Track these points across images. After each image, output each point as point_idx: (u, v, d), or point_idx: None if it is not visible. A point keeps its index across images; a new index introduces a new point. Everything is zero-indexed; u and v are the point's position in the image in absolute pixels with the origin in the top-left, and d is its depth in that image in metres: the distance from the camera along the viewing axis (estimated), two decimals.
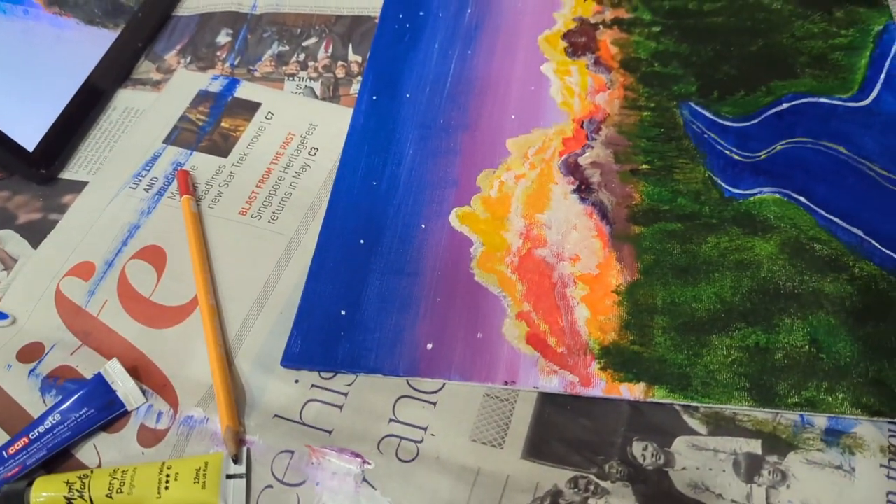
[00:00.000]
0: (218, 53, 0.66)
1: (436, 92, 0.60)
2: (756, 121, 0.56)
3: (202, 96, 0.62)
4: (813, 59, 0.59)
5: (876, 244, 0.49)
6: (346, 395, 0.47)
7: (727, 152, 0.55)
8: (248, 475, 0.44)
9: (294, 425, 0.46)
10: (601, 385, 0.45)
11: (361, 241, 0.53)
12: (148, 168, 0.58)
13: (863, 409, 0.43)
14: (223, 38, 0.67)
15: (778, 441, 0.43)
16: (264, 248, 0.53)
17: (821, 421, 0.43)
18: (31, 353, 0.49)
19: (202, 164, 0.58)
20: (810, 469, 0.42)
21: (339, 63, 0.63)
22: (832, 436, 0.43)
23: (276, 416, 0.46)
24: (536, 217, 0.53)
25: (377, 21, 0.66)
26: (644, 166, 0.54)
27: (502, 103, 0.59)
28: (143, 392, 0.47)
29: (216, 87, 0.63)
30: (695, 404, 0.44)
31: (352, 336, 0.48)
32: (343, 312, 0.50)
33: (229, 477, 0.44)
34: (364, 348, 0.48)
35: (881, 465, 0.42)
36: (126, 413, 0.47)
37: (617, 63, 0.61)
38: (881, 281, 0.47)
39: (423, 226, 0.53)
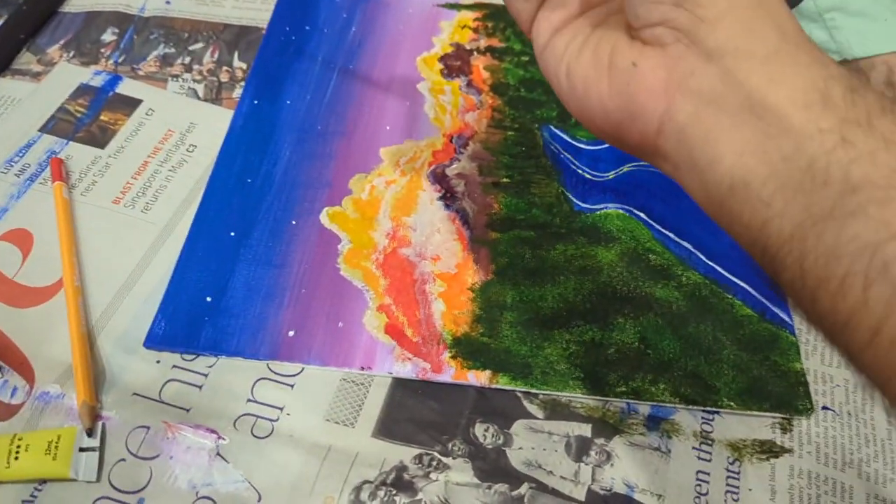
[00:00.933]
0: (102, 50, 0.67)
1: (316, 100, 0.63)
2: (606, 145, 0.62)
3: (83, 89, 0.63)
4: None
5: (702, 256, 0.55)
6: (206, 375, 0.48)
7: (580, 171, 0.60)
8: (101, 449, 0.45)
9: (152, 403, 0.47)
10: (451, 372, 0.49)
11: (232, 234, 0.55)
12: (21, 154, 0.58)
13: (681, 399, 0.48)
14: (109, 36, 0.68)
15: (606, 426, 0.47)
16: (135, 237, 0.54)
17: (644, 409, 0.48)
18: None
19: (78, 154, 0.59)
20: (632, 450, 0.46)
21: (224, 68, 0.66)
22: (653, 422, 0.48)
23: (135, 394, 0.47)
24: (403, 219, 0.56)
25: (264, 32, 0.69)
26: (505, 179, 0.59)
27: (378, 114, 0.63)
28: (0, 368, 0.47)
29: (98, 81, 0.64)
30: (534, 391, 0.48)
31: (216, 321, 0.50)
32: (209, 299, 0.51)
33: (82, 450, 0.44)
34: (227, 333, 0.50)
35: (693, 448, 0.47)
36: None
37: (487, 86, 0.66)
38: (704, 288, 0.53)
39: (293, 222, 0.55)
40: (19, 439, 0.44)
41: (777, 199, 0.29)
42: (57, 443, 0.44)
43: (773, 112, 0.29)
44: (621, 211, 0.57)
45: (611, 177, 0.60)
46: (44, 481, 0.43)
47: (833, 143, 0.28)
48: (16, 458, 0.43)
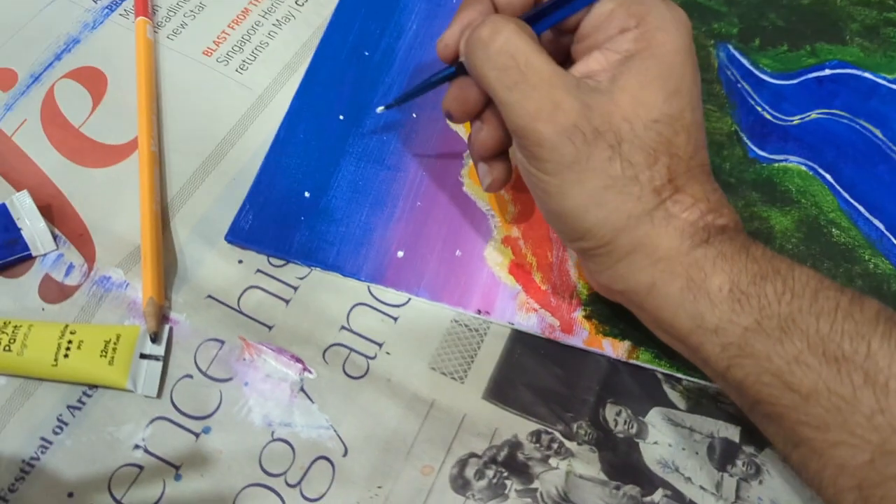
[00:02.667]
0: None
1: None
2: (795, 81, 0.51)
3: None
4: (864, 29, 0.54)
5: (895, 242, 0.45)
6: (295, 289, 0.40)
7: (759, 108, 0.49)
8: (165, 359, 0.37)
9: (229, 311, 0.39)
10: (583, 335, 0.40)
11: (341, 117, 0.45)
12: None
13: None
14: None
15: (757, 432, 0.39)
16: (226, 101, 0.45)
17: None
18: None
19: None
20: (785, 468, 0.38)
21: None
22: None
23: (209, 296, 0.39)
24: None
25: None
26: None
27: None
28: (55, 238, 0.39)
29: None
30: (679, 375, 0.40)
31: (313, 223, 0.42)
32: (307, 194, 0.43)
33: (143, 357, 0.37)
34: (325, 240, 0.41)
35: None
36: (30, 258, 0.39)
37: None
38: (893, 282, 0.44)
39: (414, 115, 0.46)
40: (72, 332, 0.36)
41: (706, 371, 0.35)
42: (115, 344, 0.36)
43: (673, 333, 0.34)
44: (804, 168, 0.47)
45: (796, 122, 0.49)
46: (95, 387, 0.36)
47: (723, 367, 0.33)
48: (66, 356, 0.36)
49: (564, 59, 0.36)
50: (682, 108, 0.32)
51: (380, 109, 0.42)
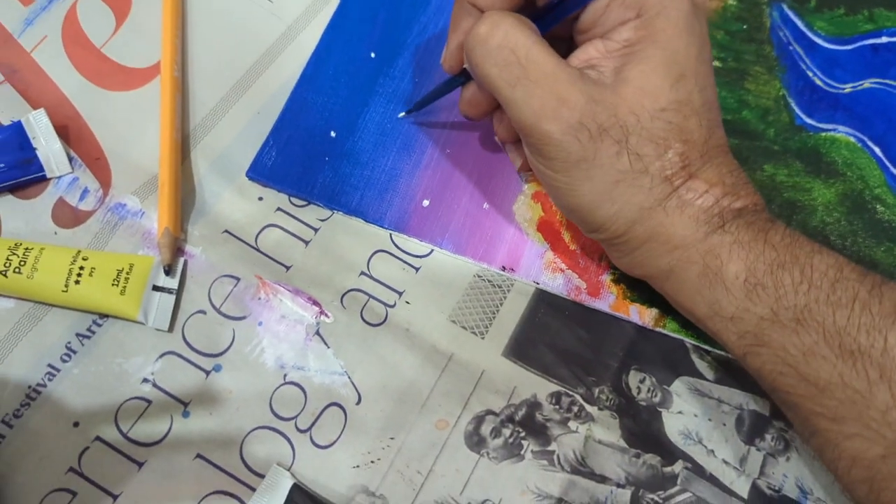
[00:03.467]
0: None
1: None
2: (849, 47, 0.48)
3: None
4: None
5: None
6: (316, 230, 0.39)
7: (809, 73, 0.47)
8: (178, 293, 0.36)
9: (246, 248, 0.38)
10: (610, 299, 0.39)
11: (372, 55, 0.43)
12: None
13: None
14: None
15: None
16: (255, 29, 0.43)
17: None
18: None
19: None
20: None
21: None
22: None
23: (226, 231, 0.38)
24: None
25: None
26: (715, 63, 0.46)
27: None
28: (70, 160, 0.38)
29: None
30: (707, 346, 0.38)
31: (337, 165, 0.40)
32: (333, 134, 0.41)
33: (156, 289, 0.36)
34: (349, 183, 0.40)
35: None
36: (44, 180, 0.38)
37: None
38: None
39: None
40: (84, 259, 0.35)
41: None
42: (128, 273, 0.35)
43: (693, 317, 0.34)
44: (852, 139, 0.45)
45: (847, 90, 0.47)
46: (105, 316, 0.35)
47: (740, 354, 0.33)
48: (76, 282, 0.34)
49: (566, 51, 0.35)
50: (689, 93, 0.31)
51: (401, 115, 0.41)
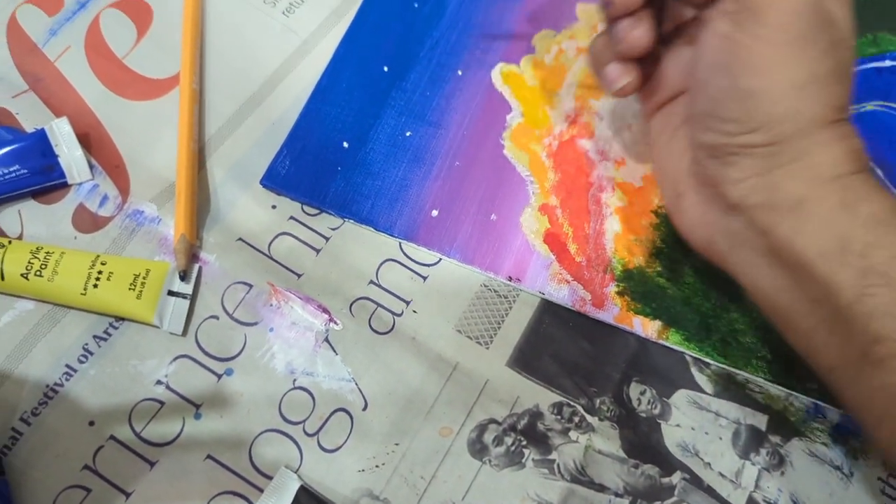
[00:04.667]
0: None
1: None
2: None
3: None
4: None
5: None
6: (327, 239, 0.40)
7: None
8: (193, 298, 0.37)
9: (259, 256, 0.39)
10: (614, 311, 0.40)
11: (385, 69, 0.44)
12: None
13: None
14: None
15: (785, 423, 0.39)
16: (271, 43, 0.44)
17: (833, 415, 0.39)
18: None
19: None
20: (810, 461, 0.38)
21: None
22: (841, 434, 0.39)
23: (240, 239, 0.39)
24: (590, 102, 0.45)
25: None
26: None
27: None
28: (91, 167, 0.39)
29: None
30: (708, 360, 0.39)
31: (349, 175, 0.41)
32: (345, 144, 0.42)
33: (171, 294, 0.37)
34: (360, 192, 0.41)
35: (879, 479, 0.38)
36: (66, 186, 0.39)
37: None
38: None
39: (459, 72, 0.45)
40: (102, 263, 0.36)
41: (817, 334, 0.32)
42: (144, 278, 0.36)
43: (797, 259, 0.31)
44: None
45: (851, 112, 0.47)
46: (121, 319, 0.36)
47: (854, 295, 0.30)
48: (95, 286, 0.36)
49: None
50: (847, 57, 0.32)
51: None
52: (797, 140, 0.31)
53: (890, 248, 0.30)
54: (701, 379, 0.39)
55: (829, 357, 0.32)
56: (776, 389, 0.39)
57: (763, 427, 0.38)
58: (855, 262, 0.30)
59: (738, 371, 0.39)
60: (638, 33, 0.34)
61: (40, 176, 0.38)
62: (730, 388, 0.39)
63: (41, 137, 0.38)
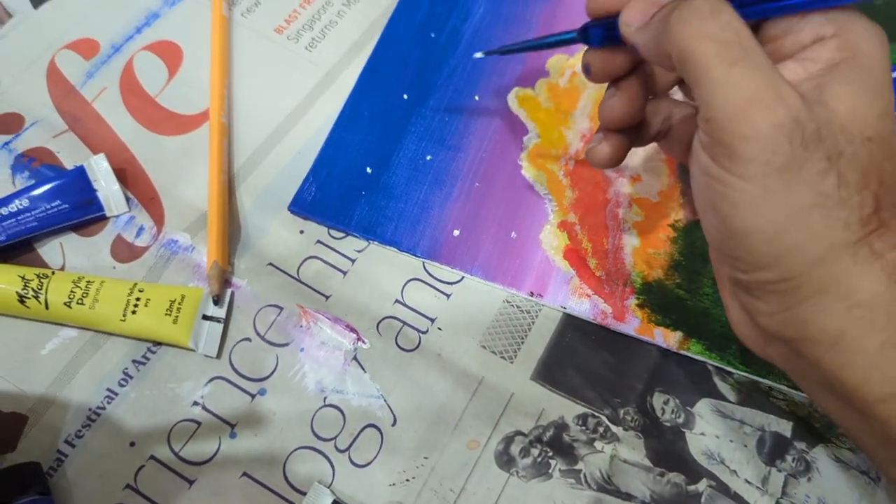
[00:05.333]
0: None
1: None
2: None
3: None
4: None
5: None
6: (353, 261, 0.41)
7: None
8: (226, 321, 0.39)
9: (289, 279, 0.40)
10: (635, 323, 0.40)
11: (405, 97, 0.46)
12: None
13: None
14: None
15: (810, 429, 0.39)
16: (295, 77, 0.46)
17: None
18: (8, 124, 0.43)
19: None
20: (836, 467, 0.38)
21: None
22: None
23: (270, 264, 0.41)
24: None
25: None
26: None
27: None
28: (127, 200, 0.41)
29: None
30: (730, 369, 0.40)
31: (373, 198, 0.43)
32: (369, 170, 0.43)
33: (205, 318, 0.38)
34: (384, 215, 0.42)
35: None
36: (104, 218, 0.41)
37: None
38: None
39: (476, 97, 0.46)
40: (140, 290, 0.38)
41: (878, 454, 0.30)
42: (180, 304, 0.38)
43: (854, 396, 0.28)
44: None
45: None
46: (159, 344, 0.38)
47: None
48: (133, 313, 0.37)
49: None
50: (892, 131, 0.27)
51: (478, 55, 0.40)
52: (818, 270, 0.27)
53: None
54: (724, 387, 0.39)
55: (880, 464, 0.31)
56: (800, 396, 0.39)
57: (788, 434, 0.39)
58: None
59: (760, 379, 0.39)
60: (612, 103, 0.33)
61: (80, 210, 0.40)
62: (753, 396, 0.39)
63: (80, 174, 0.40)
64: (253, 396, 0.37)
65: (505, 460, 0.37)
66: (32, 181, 0.41)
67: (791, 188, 0.26)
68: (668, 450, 0.38)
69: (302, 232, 0.42)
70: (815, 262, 0.27)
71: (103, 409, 0.37)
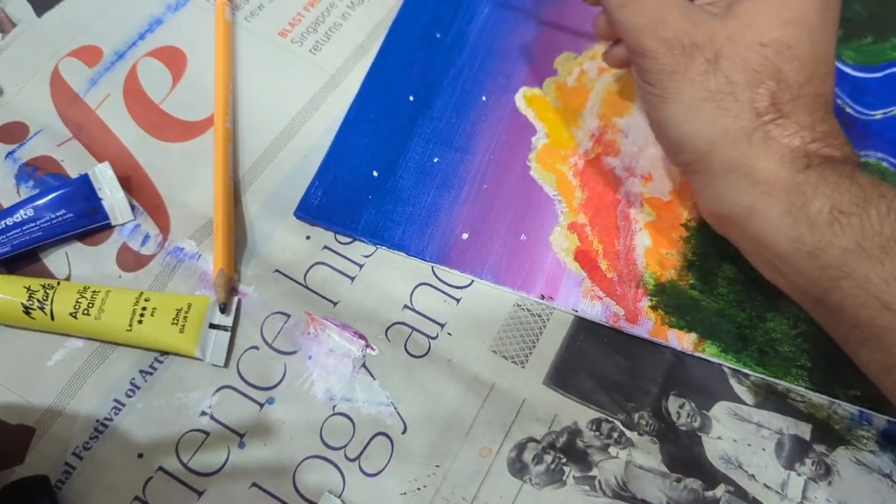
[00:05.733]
0: None
1: None
2: (878, 74, 0.49)
3: None
4: None
5: None
6: (360, 266, 0.41)
7: (839, 102, 0.47)
8: (233, 330, 0.38)
9: (296, 286, 0.40)
10: (648, 325, 0.40)
11: (411, 98, 0.45)
12: None
13: None
14: None
15: (829, 431, 0.38)
16: (299, 80, 0.46)
17: (879, 421, 0.38)
18: (12, 133, 0.42)
19: None
20: (857, 470, 0.37)
21: None
22: (889, 440, 0.38)
23: (277, 270, 0.40)
24: (614, 120, 0.46)
25: None
26: None
27: None
28: (133, 208, 0.41)
29: None
30: (746, 371, 0.39)
31: (380, 202, 0.42)
32: (375, 174, 0.43)
33: (212, 327, 0.38)
34: (391, 220, 0.42)
35: None
36: (109, 227, 0.40)
37: None
38: None
39: (483, 98, 0.46)
40: (146, 300, 0.37)
41: (816, 317, 0.35)
42: (186, 312, 0.38)
43: (773, 258, 0.34)
44: (886, 164, 0.45)
45: (878, 117, 0.47)
46: (166, 353, 0.38)
47: (820, 291, 0.32)
48: (139, 322, 0.37)
49: None
50: (796, 38, 0.33)
51: None
52: (718, 152, 0.34)
53: (840, 242, 0.31)
54: (740, 390, 0.39)
55: (831, 334, 0.34)
56: (818, 398, 0.39)
57: (807, 437, 0.38)
58: (812, 261, 0.32)
59: (778, 381, 0.39)
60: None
61: (85, 219, 0.39)
62: (770, 399, 0.39)
63: (85, 182, 0.40)
64: (261, 405, 0.37)
65: (518, 467, 0.36)
66: (37, 190, 0.40)
67: (682, 87, 0.34)
68: (684, 455, 0.37)
69: (308, 237, 0.41)
70: (714, 144, 0.34)
71: (111, 420, 0.36)
